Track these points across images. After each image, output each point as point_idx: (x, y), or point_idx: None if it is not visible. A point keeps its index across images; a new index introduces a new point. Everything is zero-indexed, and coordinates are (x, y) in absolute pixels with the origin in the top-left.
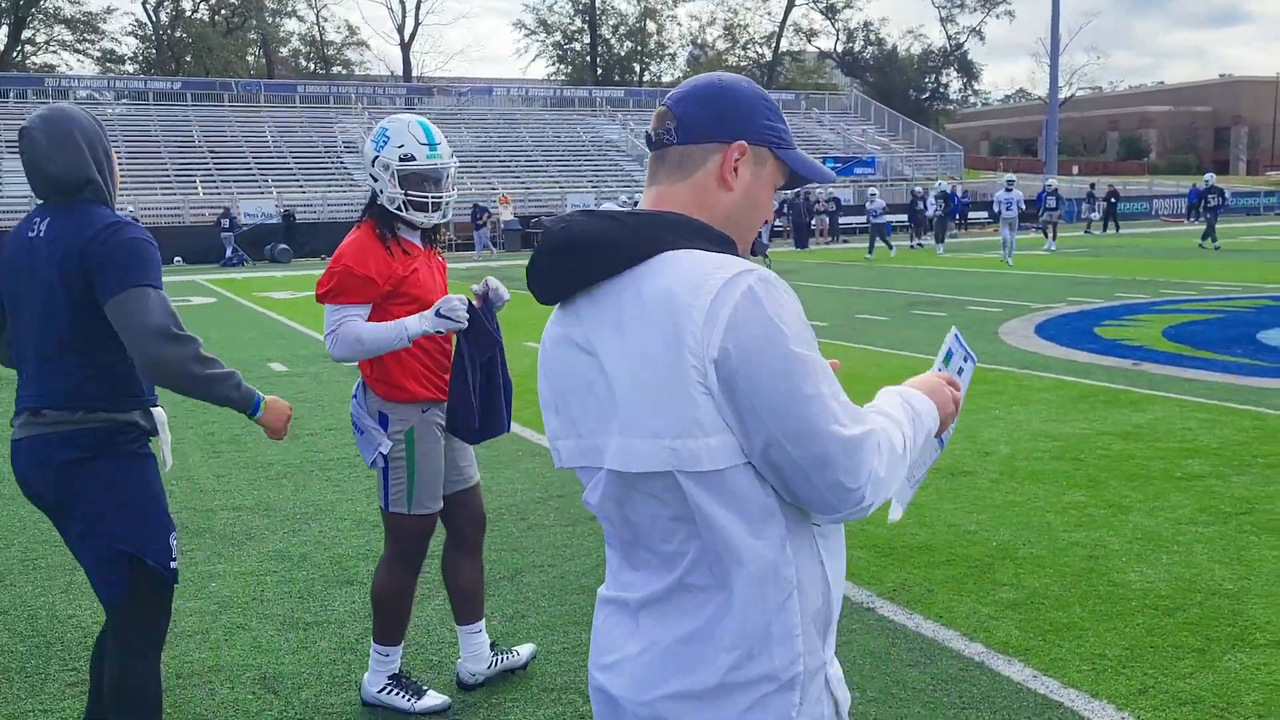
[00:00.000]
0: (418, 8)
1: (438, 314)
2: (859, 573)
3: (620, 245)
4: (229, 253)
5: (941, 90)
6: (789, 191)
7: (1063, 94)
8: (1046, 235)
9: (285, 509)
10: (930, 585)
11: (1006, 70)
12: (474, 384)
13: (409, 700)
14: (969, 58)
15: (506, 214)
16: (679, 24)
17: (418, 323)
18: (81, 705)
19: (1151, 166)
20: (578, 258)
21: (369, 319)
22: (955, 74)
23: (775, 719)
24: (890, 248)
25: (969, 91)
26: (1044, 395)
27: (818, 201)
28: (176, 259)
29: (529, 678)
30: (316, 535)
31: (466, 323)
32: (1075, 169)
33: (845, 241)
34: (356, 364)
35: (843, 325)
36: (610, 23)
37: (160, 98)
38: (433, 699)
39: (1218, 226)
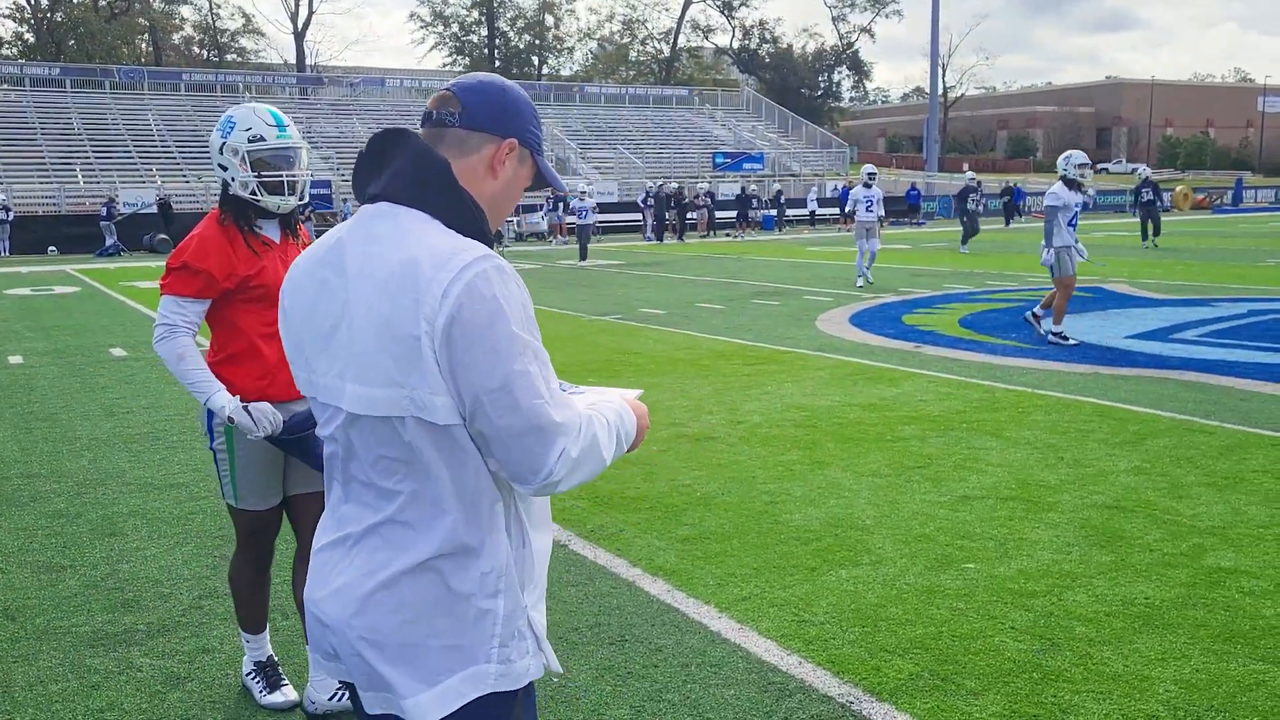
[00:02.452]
0: None
1: (244, 408)
2: (571, 518)
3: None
4: (109, 242)
5: (834, 88)
6: (652, 185)
7: (954, 93)
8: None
9: (77, 476)
10: (623, 527)
11: (904, 69)
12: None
13: (261, 691)
14: (860, 56)
15: None
16: (577, 18)
17: (224, 401)
18: None
19: (1037, 164)
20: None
21: (211, 311)
22: (847, 72)
23: (472, 640)
24: (585, 257)
25: (860, 90)
26: (819, 374)
27: (697, 196)
28: (51, 249)
29: None
30: (98, 497)
31: (259, 435)
32: (965, 166)
33: (729, 235)
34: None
35: (678, 313)
36: (508, 15)
37: (38, 84)
38: (282, 696)
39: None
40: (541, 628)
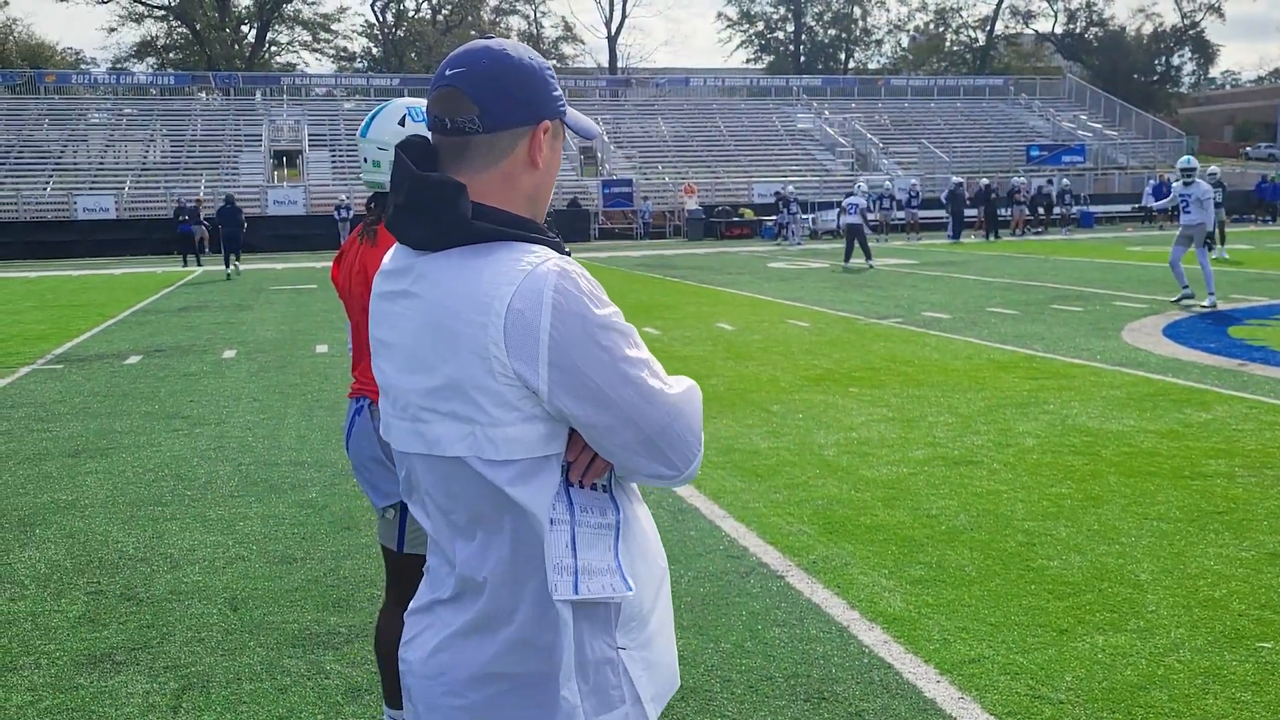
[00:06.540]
0: (625, 2)
1: None
2: (794, 545)
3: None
4: None
5: (1173, 73)
6: (953, 181)
7: None
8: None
9: (336, 466)
10: (850, 560)
11: (1260, 49)
12: None
13: None
14: (1205, 37)
15: (691, 203)
16: (887, 9)
17: None
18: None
19: None
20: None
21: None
22: (1189, 55)
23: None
24: (867, 255)
25: (1202, 73)
26: (1114, 392)
27: (1016, 191)
28: None
29: None
30: (347, 489)
31: None
32: None
33: (1038, 233)
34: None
35: (964, 318)
36: (815, 9)
37: (380, 93)
38: None
39: None
40: (642, 671)
